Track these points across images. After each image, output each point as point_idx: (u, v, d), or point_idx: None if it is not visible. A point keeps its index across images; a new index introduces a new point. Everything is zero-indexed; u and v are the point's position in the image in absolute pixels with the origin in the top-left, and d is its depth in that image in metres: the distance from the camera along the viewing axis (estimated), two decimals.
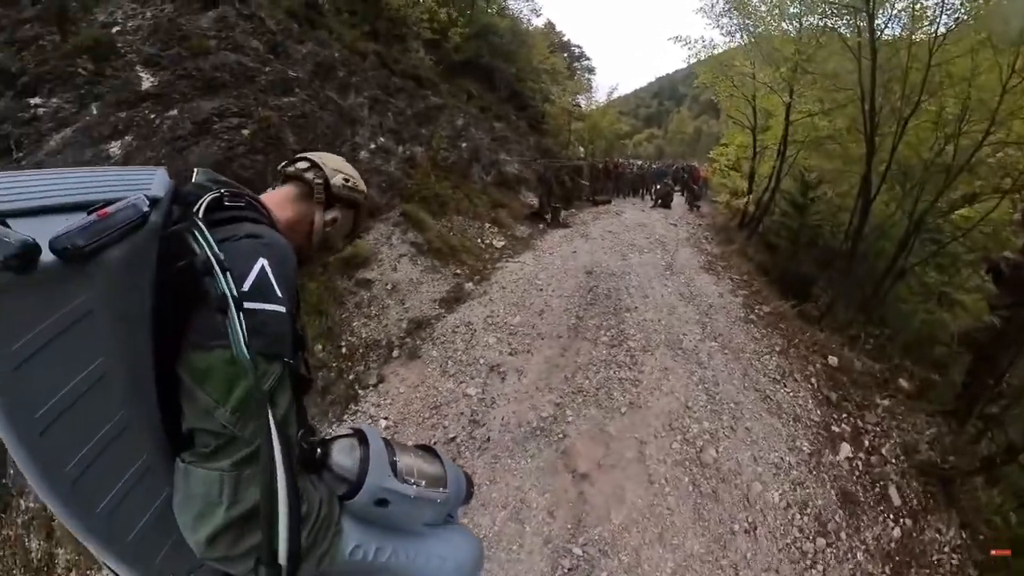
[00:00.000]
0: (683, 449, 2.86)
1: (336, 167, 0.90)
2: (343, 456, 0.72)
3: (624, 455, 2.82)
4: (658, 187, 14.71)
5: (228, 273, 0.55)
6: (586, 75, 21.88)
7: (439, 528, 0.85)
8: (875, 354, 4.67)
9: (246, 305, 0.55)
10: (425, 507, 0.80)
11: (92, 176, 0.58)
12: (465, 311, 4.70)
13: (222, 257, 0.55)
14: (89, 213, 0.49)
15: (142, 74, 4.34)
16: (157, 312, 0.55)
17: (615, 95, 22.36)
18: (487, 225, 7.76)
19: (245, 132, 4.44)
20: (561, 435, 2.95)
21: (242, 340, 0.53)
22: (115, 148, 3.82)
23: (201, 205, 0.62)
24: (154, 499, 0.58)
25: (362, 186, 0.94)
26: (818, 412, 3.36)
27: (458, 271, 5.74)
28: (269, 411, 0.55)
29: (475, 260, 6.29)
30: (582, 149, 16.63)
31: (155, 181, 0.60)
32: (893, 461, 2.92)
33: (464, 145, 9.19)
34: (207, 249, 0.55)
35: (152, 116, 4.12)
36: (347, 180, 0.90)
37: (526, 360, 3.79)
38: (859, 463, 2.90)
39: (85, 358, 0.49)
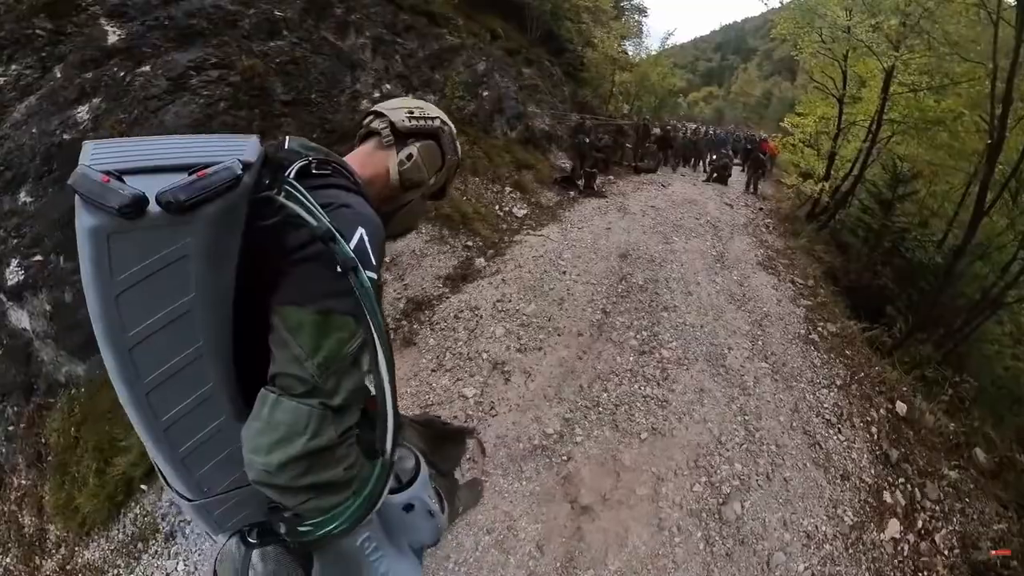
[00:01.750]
0: (704, 495, 2.75)
1: (397, 105, 1.02)
2: (401, 460, 0.97)
3: (635, 491, 2.72)
4: (714, 158, 13.97)
5: (345, 242, 0.69)
6: (635, 16, 20.02)
7: (413, 558, 1.04)
8: (952, 408, 4.38)
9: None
10: (428, 524, 1.01)
11: (195, 142, 0.71)
12: (472, 292, 4.57)
13: (336, 226, 0.69)
14: (190, 174, 0.62)
15: (107, 28, 4.18)
16: (242, 262, 0.68)
17: (670, 42, 20.77)
18: (508, 189, 7.47)
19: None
20: (565, 457, 2.86)
21: (373, 300, 0.71)
22: (83, 113, 3.77)
23: (291, 171, 0.75)
24: (211, 420, 0.74)
25: (434, 112, 1.03)
26: (872, 472, 3.17)
27: (469, 243, 5.57)
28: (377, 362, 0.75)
29: (490, 231, 6.09)
30: (627, 106, 15.75)
31: (248, 147, 0.71)
32: (945, 553, 2.74)
33: (485, 94, 8.81)
34: (324, 219, 0.68)
35: (122, 74, 4.03)
36: (411, 112, 1.00)
37: (536, 360, 3.67)
38: (905, 547, 2.73)
39: (176, 294, 0.64)
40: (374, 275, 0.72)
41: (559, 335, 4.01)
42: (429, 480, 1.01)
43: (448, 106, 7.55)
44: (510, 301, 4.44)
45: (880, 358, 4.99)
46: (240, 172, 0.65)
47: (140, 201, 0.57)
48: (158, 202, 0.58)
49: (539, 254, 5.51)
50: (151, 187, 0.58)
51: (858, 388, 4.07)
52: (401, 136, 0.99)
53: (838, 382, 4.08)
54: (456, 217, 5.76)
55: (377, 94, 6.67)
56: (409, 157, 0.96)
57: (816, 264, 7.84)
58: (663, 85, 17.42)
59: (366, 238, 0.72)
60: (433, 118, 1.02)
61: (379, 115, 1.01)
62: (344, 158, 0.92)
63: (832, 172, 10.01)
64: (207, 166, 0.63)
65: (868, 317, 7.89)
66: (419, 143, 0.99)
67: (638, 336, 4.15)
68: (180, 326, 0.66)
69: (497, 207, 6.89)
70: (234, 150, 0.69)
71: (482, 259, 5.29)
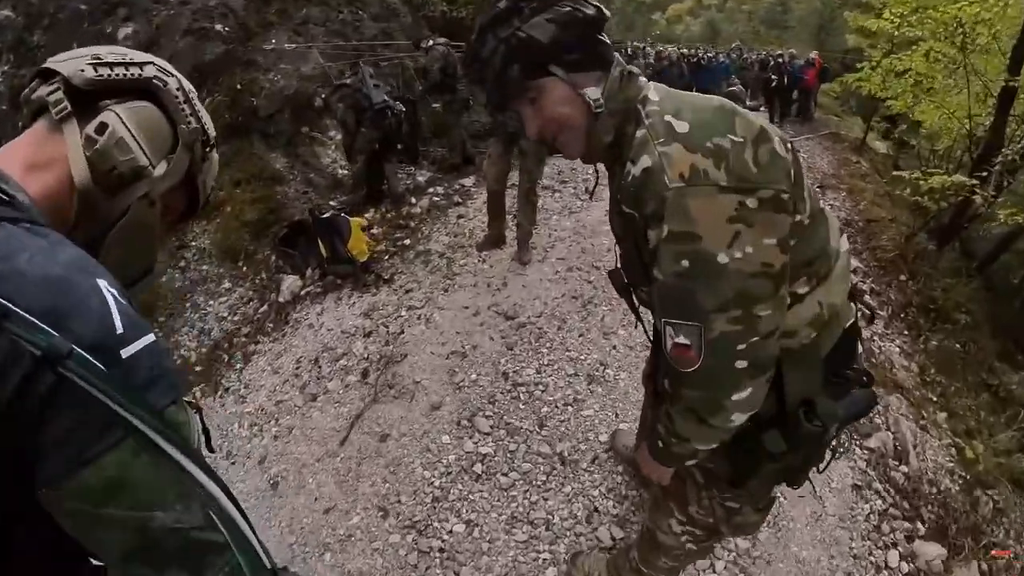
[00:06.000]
0: None
1: (77, 54, 0.65)
2: None
3: None
4: None
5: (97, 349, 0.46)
6: None
7: None
8: None
9: (127, 352, 0.48)
10: None
11: None
12: None
13: (53, 304, 0.46)
14: None
15: None
16: None
17: None
18: None
19: None
20: None
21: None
22: None
23: None
24: None
25: (142, 56, 0.68)
26: None
27: None
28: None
29: None
30: None
31: None
32: None
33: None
34: (49, 337, 0.44)
35: None
36: (98, 57, 0.64)
37: None
38: None
39: None
40: (152, 336, 0.51)
41: None
42: None
43: None
44: None
45: None
46: None
47: None
48: None
49: None
50: None
51: None
52: (85, 99, 0.61)
53: None
54: None
55: None
56: (102, 129, 0.60)
57: None
58: None
59: (111, 289, 0.49)
60: (141, 63, 0.66)
61: (48, 74, 0.63)
62: None
63: (1008, 133, 4.39)
64: None
65: None
66: (120, 105, 0.62)
67: None
68: None
69: None
70: None
71: None
